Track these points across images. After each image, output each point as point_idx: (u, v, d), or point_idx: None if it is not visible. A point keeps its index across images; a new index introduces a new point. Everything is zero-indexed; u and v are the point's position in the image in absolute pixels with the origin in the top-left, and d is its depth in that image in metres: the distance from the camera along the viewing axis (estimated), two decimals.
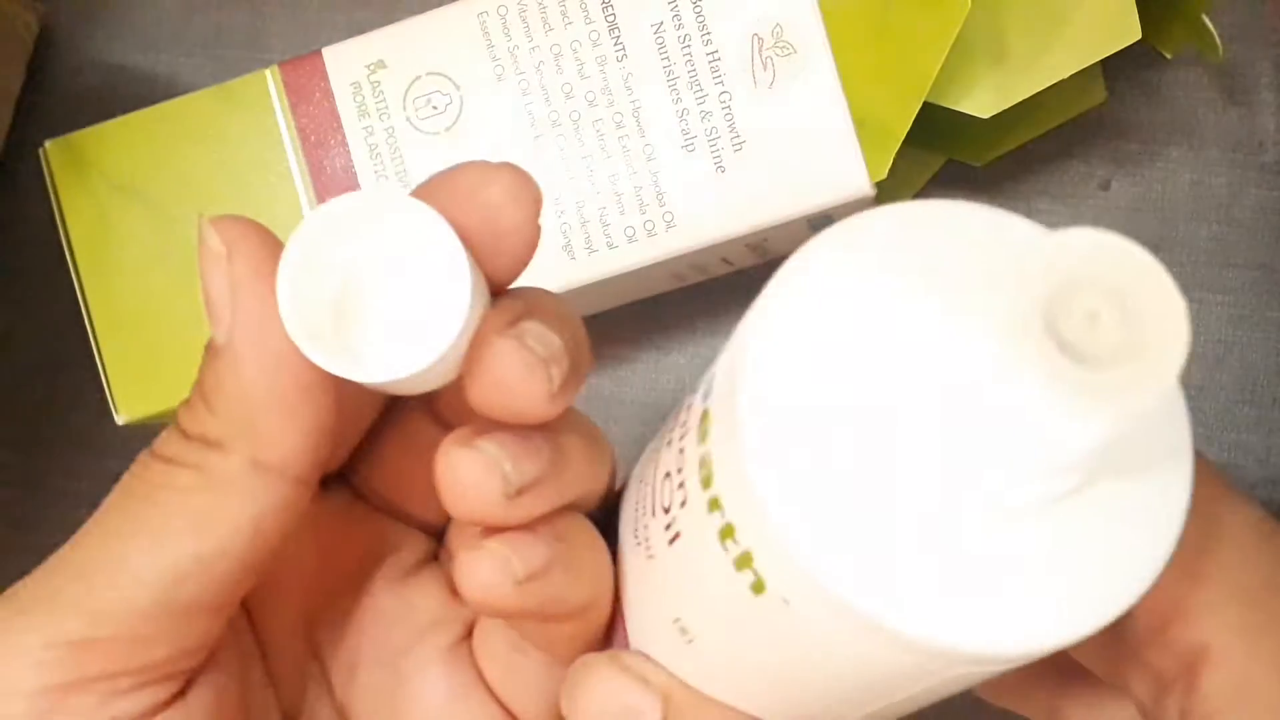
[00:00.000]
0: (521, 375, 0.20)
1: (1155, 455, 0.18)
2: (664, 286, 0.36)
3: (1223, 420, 0.37)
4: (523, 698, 0.25)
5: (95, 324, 0.34)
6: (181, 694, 0.22)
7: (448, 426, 0.23)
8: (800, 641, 0.19)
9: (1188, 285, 0.37)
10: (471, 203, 0.20)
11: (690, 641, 0.22)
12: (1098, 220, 0.38)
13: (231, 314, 0.20)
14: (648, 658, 0.23)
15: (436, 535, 0.26)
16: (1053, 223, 0.38)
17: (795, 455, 0.17)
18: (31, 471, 0.40)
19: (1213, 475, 0.22)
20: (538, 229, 0.21)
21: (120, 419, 0.34)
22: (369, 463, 0.25)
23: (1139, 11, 0.33)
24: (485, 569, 0.21)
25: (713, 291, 0.37)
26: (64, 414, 0.39)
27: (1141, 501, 0.18)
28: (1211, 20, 0.35)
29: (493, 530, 0.21)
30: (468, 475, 0.21)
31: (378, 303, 0.21)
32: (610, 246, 0.33)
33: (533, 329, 0.21)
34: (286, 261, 0.20)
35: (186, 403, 0.22)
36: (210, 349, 0.21)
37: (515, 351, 0.20)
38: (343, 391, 0.21)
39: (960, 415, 0.17)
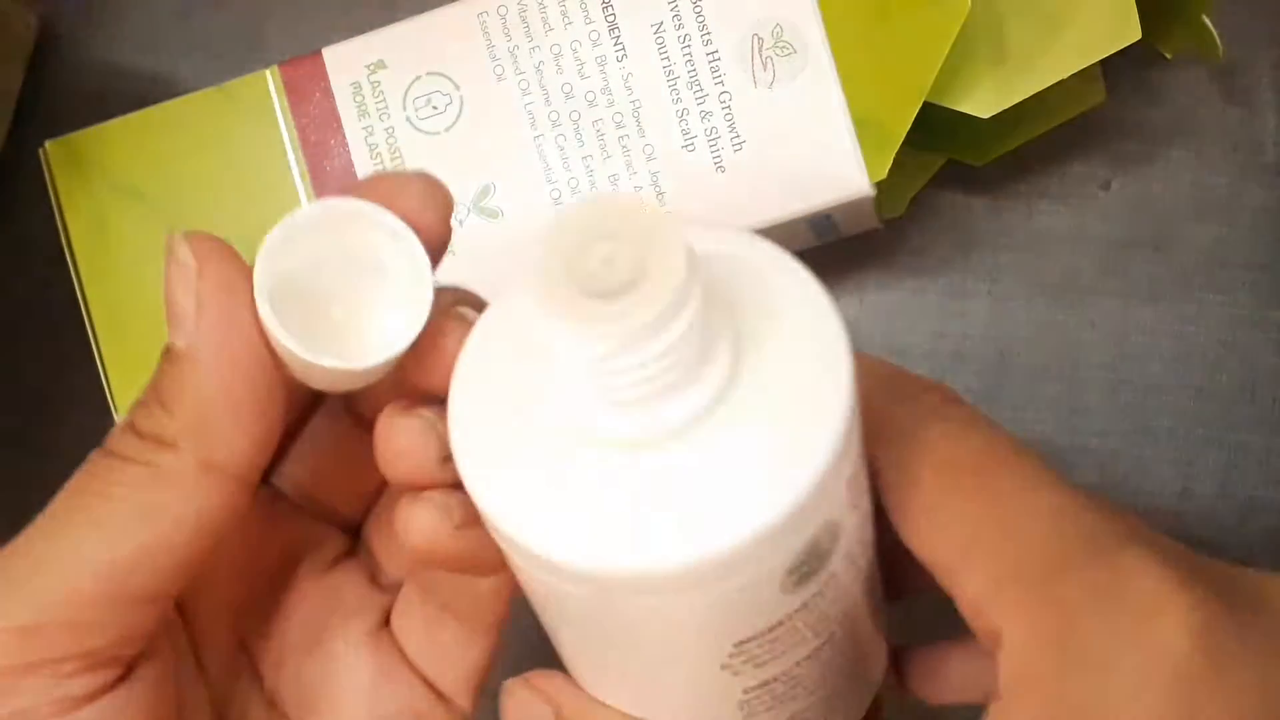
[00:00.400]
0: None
1: (801, 388, 0.20)
2: None
3: (1223, 420, 0.37)
4: (443, 668, 0.26)
5: (95, 324, 0.34)
6: (123, 679, 0.23)
7: (365, 423, 0.25)
8: (575, 618, 0.22)
9: (1188, 285, 0.37)
10: (391, 208, 0.23)
11: (562, 649, 0.24)
12: (1098, 220, 0.38)
13: (195, 323, 0.22)
14: (561, 674, 0.25)
15: (352, 531, 0.28)
16: (1053, 223, 0.38)
17: (472, 446, 0.21)
18: (32, 471, 0.40)
19: (1019, 449, 0.22)
20: (449, 229, 0.24)
21: (120, 419, 0.34)
22: (290, 462, 0.27)
23: (1139, 11, 0.33)
24: (427, 514, 0.22)
25: None
26: (64, 414, 0.39)
27: (783, 429, 0.19)
28: (1211, 20, 0.35)
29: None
30: (407, 438, 0.23)
31: (347, 300, 0.23)
32: None
33: (469, 312, 0.23)
34: (262, 266, 0.22)
35: (141, 402, 0.23)
36: (168, 354, 0.23)
37: (464, 331, 0.23)
38: (288, 396, 0.23)
39: (555, 373, 0.20)
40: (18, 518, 0.40)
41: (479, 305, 0.24)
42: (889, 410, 0.24)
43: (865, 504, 0.23)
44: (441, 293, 0.23)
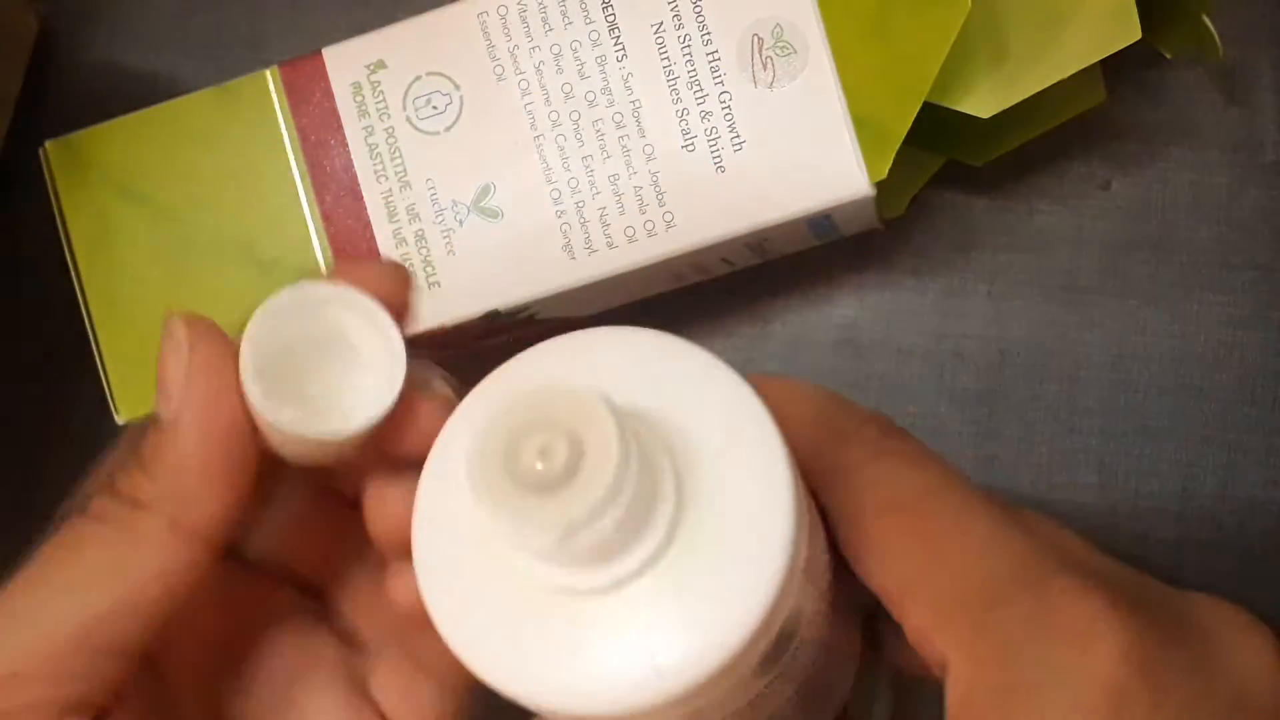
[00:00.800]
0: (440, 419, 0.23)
1: (746, 508, 0.20)
2: (664, 286, 0.36)
3: (1223, 421, 0.37)
4: None
5: (95, 324, 0.34)
6: None
7: (333, 494, 0.28)
8: None
9: (1188, 285, 0.37)
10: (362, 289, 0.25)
11: None
12: (1098, 220, 0.38)
13: (181, 396, 0.24)
14: None
15: (318, 595, 0.29)
16: (1053, 223, 0.38)
17: (438, 586, 0.22)
18: (31, 471, 0.40)
19: (953, 482, 0.23)
20: (409, 303, 0.26)
21: (120, 419, 0.34)
22: (260, 530, 0.28)
23: (1139, 11, 0.33)
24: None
25: (713, 291, 0.37)
26: (64, 414, 0.39)
27: (736, 555, 0.20)
28: (1211, 20, 0.35)
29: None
30: (394, 505, 0.24)
31: (325, 376, 0.25)
32: (610, 246, 0.33)
33: (438, 384, 0.26)
34: (247, 346, 0.24)
35: (122, 466, 0.25)
36: (154, 424, 0.25)
37: (439, 406, 0.25)
38: (260, 469, 0.25)
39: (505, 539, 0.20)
40: (18, 518, 0.40)
41: (448, 379, 0.26)
42: (830, 452, 0.24)
43: (820, 557, 0.23)
44: (412, 365, 0.25)
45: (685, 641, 0.20)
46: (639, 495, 0.19)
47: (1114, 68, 0.35)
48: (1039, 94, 0.33)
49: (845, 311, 0.38)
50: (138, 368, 0.34)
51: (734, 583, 0.20)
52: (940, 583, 0.23)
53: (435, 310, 0.33)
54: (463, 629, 0.21)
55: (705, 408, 0.21)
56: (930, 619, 0.23)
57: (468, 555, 0.21)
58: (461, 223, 0.33)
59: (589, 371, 0.21)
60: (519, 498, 0.19)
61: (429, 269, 0.33)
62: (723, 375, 0.22)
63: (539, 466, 0.19)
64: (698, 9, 0.33)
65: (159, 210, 0.34)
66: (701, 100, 0.33)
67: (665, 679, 0.20)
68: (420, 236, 0.33)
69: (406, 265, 0.33)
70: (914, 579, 0.23)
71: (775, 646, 0.21)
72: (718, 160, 0.32)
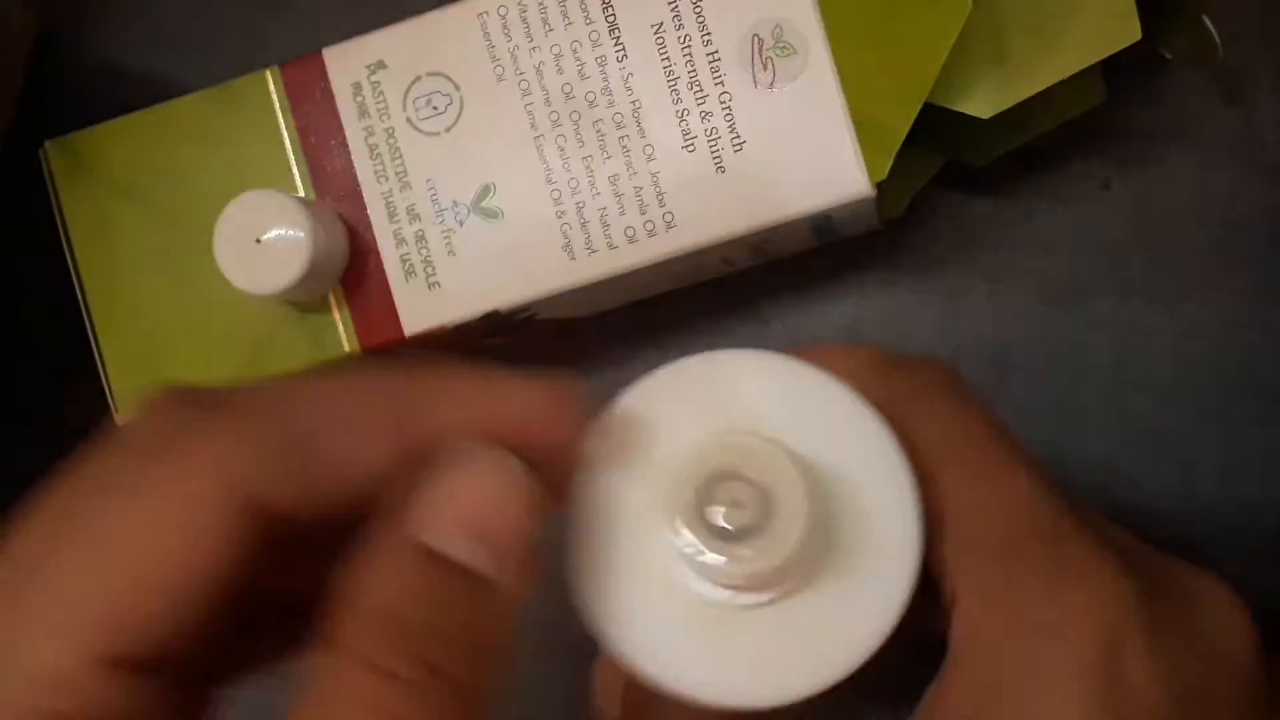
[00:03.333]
0: None
1: (875, 560, 0.23)
2: (664, 286, 0.36)
3: (1223, 420, 0.37)
4: None
5: (95, 324, 0.34)
6: None
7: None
8: None
9: (1188, 285, 0.37)
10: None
11: None
12: (1098, 220, 0.38)
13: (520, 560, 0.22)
14: None
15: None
16: (1053, 223, 0.38)
17: (609, 603, 0.23)
18: (32, 472, 0.40)
19: (998, 434, 0.25)
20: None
21: (120, 419, 0.34)
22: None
23: (1139, 12, 0.33)
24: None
25: (713, 291, 0.37)
26: (64, 414, 0.39)
27: (856, 600, 0.23)
28: (1211, 20, 0.35)
29: None
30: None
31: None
32: (610, 246, 0.33)
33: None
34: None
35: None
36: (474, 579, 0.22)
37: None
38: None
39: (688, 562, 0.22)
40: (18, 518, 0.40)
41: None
42: (891, 397, 0.25)
43: None
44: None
45: (830, 648, 0.23)
46: (816, 540, 0.22)
47: (1114, 68, 0.35)
48: (1039, 94, 0.33)
49: (846, 311, 0.38)
50: (138, 368, 0.34)
51: (872, 602, 0.23)
52: (968, 525, 0.24)
53: (435, 310, 0.33)
54: (631, 637, 0.23)
55: (843, 441, 0.23)
56: (952, 555, 0.24)
57: (634, 571, 0.23)
58: (461, 223, 0.33)
59: (737, 405, 0.23)
60: (709, 541, 0.22)
61: (429, 269, 0.33)
62: (855, 406, 0.24)
63: (728, 519, 0.22)
64: (698, 9, 0.33)
65: (159, 210, 0.34)
66: (701, 100, 0.33)
67: (813, 676, 0.23)
68: (420, 236, 0.33)
69: (408, 266, 0.33)
70: (946, 513, 0.24)
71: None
72: (718, 160, 0.32)
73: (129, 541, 0.20)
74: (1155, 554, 0.25)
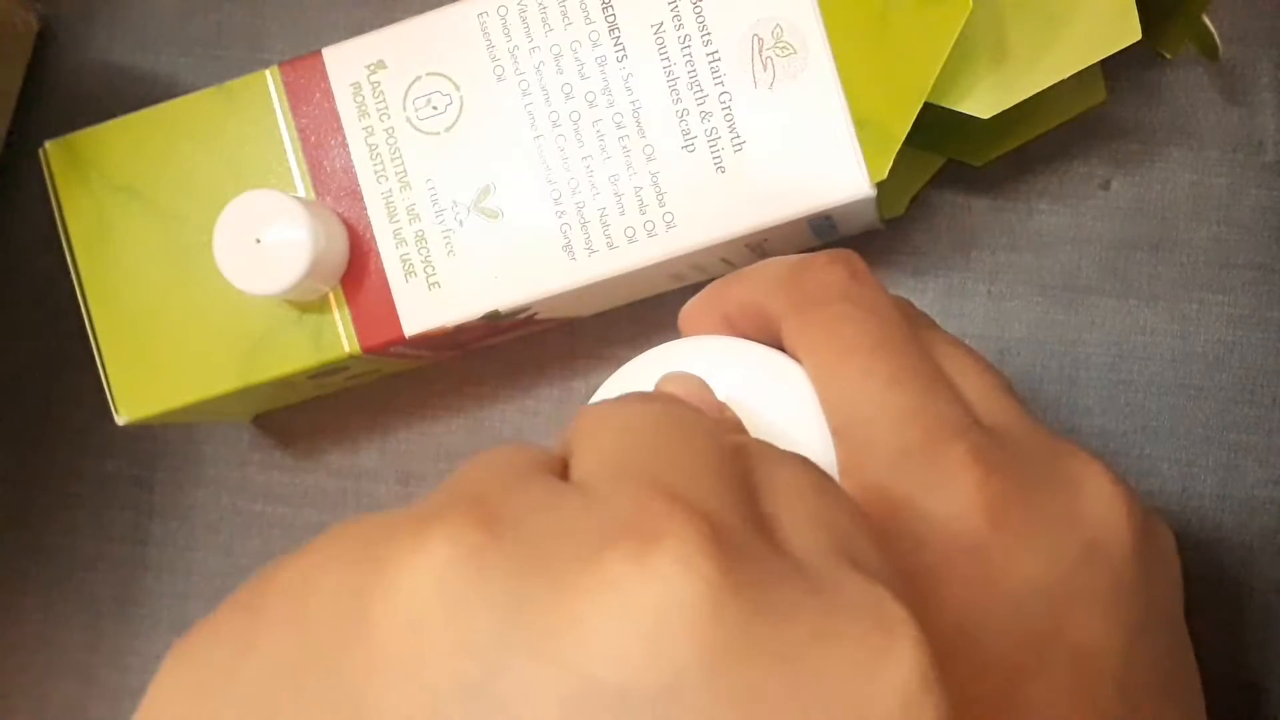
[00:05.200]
0: None
1: None
2: (664, 286, 0.36)
3: (1223, 420, 0.37)
4: None
5: (95, 324, 0.34)
6: None
7: None
8: None
9: (1188, 285, 0.37)
10: None
11: None
12: (1098, 220, 0.38)
13: None
14: None
15: None
16: (1053, 223, 0.38)
17: None
18: (31, 471, 0.40)
19: (896, 338, 0.26)
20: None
21: (120, 419, 0.34)
22: None
23: (1139, 11, 0.33)
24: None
25: None
26: (64, 414, 0.39)
27: None
28: (1211, 20, 0.35)
29: None
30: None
31: None
32: (610, 246, 0.33)
33: None
34: None
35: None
36: None
37: None
38: None
39: None
40: (18, 517, 0.40)
41: None
42: (788, 300, 0.27)
43: None
44: None
45: None
46: None
47: (1114, 68, 0.35)
48: (1039, 94, 0.33)
49: None
50: (138, 368, 0.34)
51: None
52: (859, 433, 0.25)
53: (435, 310, 0.33)
54: None
55: (782, 411, 0.26)
56: (841, 461, 0.25)
57: None
58: (461, 223, 0.33)
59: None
60: None
61: (429, 269, 0.33)
62: (788, 376, 0.26)
63: None
64: (698, 9, 0.33)
65: (159, 210, 0.34)
66: (701, 100, 0.33)
67: None
68: (420, 236, 0.33)
69: (408, 266, 0.33)
70: (841, 423, 0.25)
71: None
72: (718, 160, 0.32)
73: None
74: (1044, 439, 0.26)
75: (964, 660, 0.23)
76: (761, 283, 0.27)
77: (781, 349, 0.27)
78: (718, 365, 0.27)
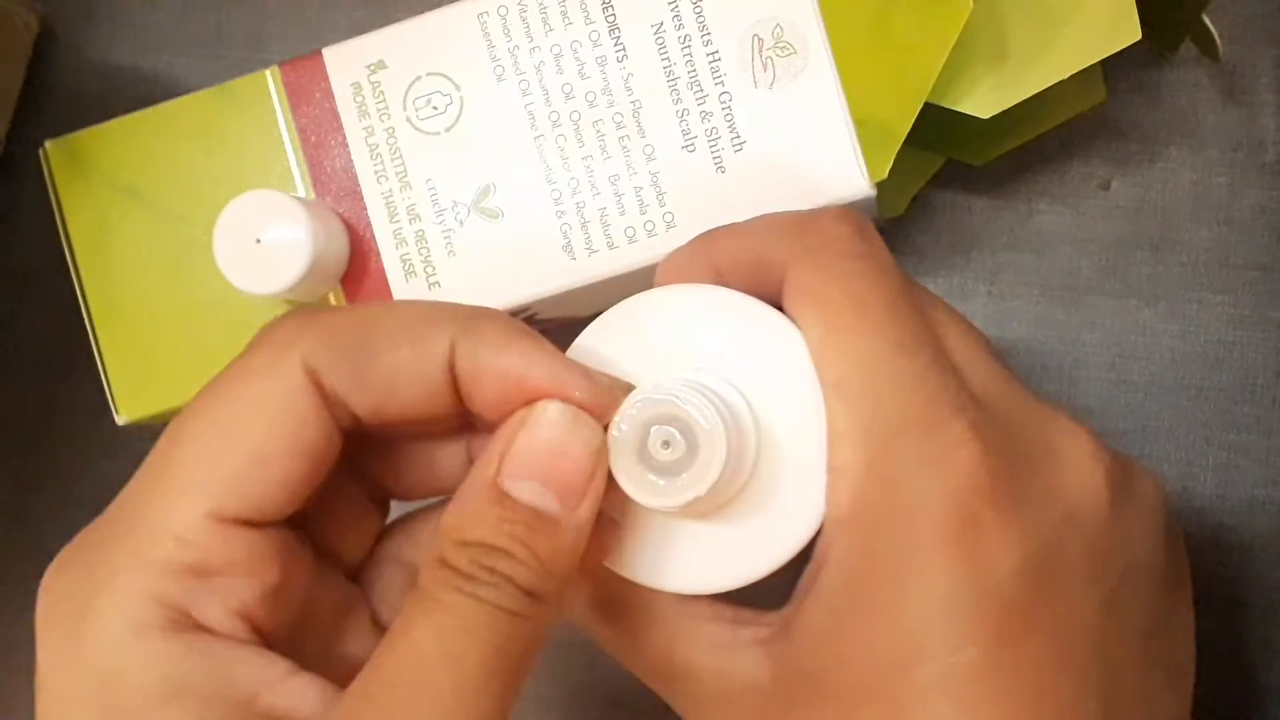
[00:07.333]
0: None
1: (789, 474, 0.26)
2: None
3: (1223, 420, 0.37)
4: None
5: (95, 324, 0.34)
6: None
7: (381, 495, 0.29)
8: None
9: (1188, 285, 0.37)
10: None
11: None
12: (1098, 220, 0.38)
13: (592, 496, 0.26)
14: None
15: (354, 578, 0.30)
16: (1053, 223, 0.38)
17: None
18: (31, 471, 0.40)
19: (900, 305, 0.26)
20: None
21: (120, 419, 0.34)
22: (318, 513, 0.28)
23: (1139, 11, 0.33)
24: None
25: None
26: (64, 414, 0.39)
27: (773, 514, 0.27)
28: (1211, 20, 0.35)
29: None
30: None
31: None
32: (610, 246, 0.33)
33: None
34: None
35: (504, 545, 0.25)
36: (541, 519, 0.25)
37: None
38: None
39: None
40: (18, 517, 0.40)
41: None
42: (790, 250, 0.27)
43: None
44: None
45: (758, 548, 0.27)
46: (736, 468, 0.26)
47: (1114, 68, 0.35)
48: (1039, 94, 0.33)
49: None
50: (138, 368, 0.34)
51: (789, 512, 0.26)
52: (861, 392, 0.25)
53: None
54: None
55: (763, 363, 0.27)
56: (842, 430, 0.26)
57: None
58: (461, 223, 0.33)
59: (674, 343, 0.27)
60: (648, 476, 0.26)
61: (429, 269, 0.33)
62: (775, 327, 0.27)
63: (664, 455, 0.26)
64: (698, 9, 0.33)
65: (159, 210, 0.34)
66: (701, 100, 0.33)
67: (740, 573, 0.27)
68: (420, 236, 0.33)
69: (408, 266, 0.33)
70: (839, 382, 0.26)
71: None
72: (718, 160, 0.32)
73: (237, 418, 0.25)
74: (1029, 405, 0.27)
75: (950, 630, 0.24)
76: (763, 231, 0.27)
77: (775, 306, 0.27)
78: (711, 314, 0.27)
